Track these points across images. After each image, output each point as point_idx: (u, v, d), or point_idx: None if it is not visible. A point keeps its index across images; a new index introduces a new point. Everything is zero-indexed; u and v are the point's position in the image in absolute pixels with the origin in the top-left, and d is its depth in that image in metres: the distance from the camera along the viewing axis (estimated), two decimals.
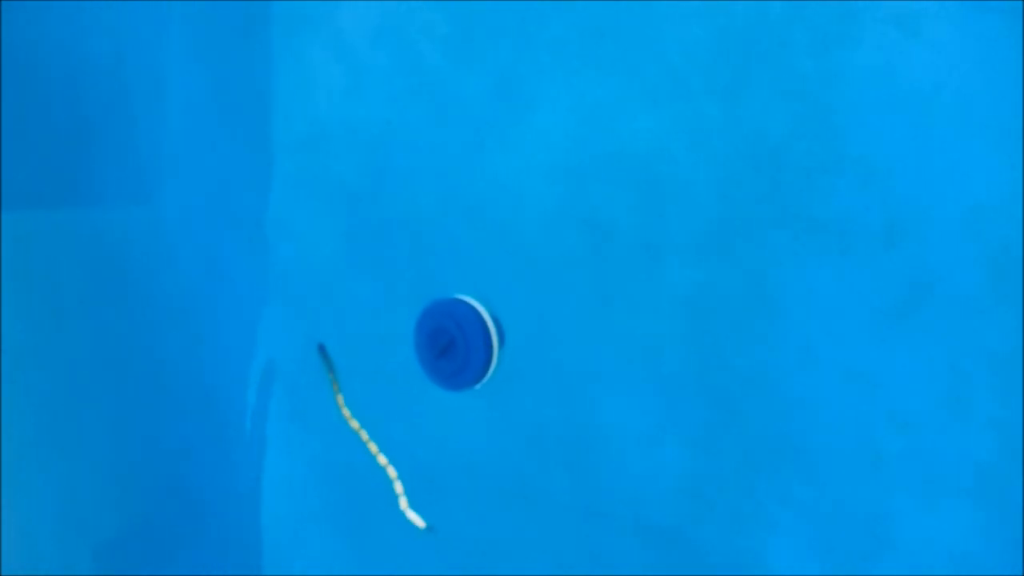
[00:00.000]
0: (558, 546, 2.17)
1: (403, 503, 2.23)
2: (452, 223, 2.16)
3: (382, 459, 2.24)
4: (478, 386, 2.11)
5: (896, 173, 1.68)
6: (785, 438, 1.85)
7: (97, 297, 2.56)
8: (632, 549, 2.07)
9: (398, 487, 2.23)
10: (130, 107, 2.50)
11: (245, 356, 2.53)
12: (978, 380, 1.66)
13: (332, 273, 2.36)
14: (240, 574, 2.60)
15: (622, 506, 2.06)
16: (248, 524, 2.59)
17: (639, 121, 1.91)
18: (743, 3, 1.76)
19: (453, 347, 2.06)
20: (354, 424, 2.26)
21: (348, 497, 2.45)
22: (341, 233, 2.33)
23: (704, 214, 1.87)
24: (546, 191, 2.03)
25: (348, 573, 2.47)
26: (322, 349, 2.34)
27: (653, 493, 2.02)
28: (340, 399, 2.29)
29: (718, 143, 1.83)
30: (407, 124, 2.19)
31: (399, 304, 2.24)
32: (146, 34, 2.48)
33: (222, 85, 2.43)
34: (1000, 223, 1.61)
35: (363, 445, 2.27)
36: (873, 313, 1.75)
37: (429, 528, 2.22)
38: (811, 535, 1.86)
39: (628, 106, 1.92)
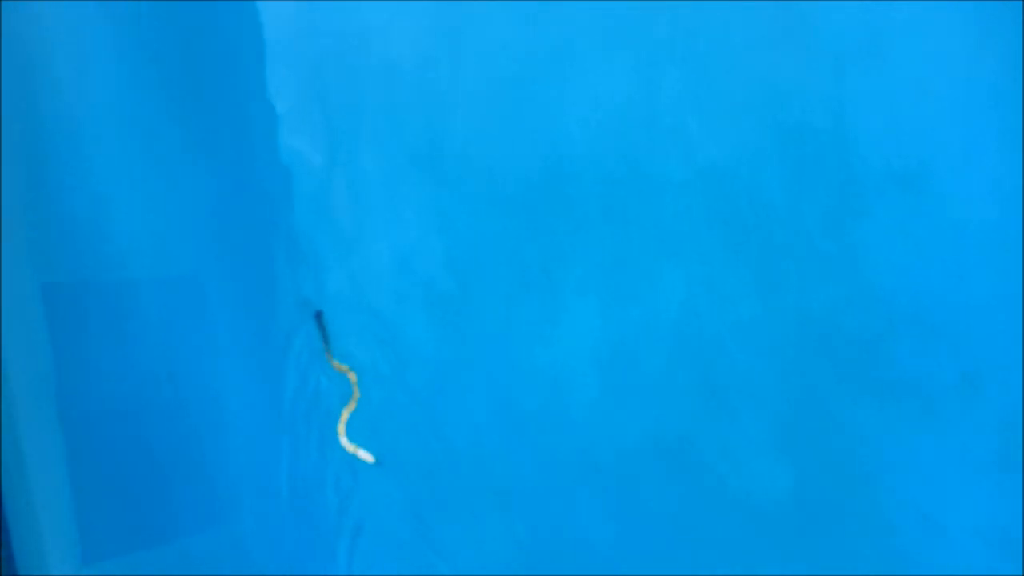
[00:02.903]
0: None
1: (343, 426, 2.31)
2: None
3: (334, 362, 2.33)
4: None
5: (955, 323, 1.68)
6: None
7: None
8: None
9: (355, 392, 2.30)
10: (194, 433, 2.57)
11: None
12: None
13: None
14: None
15: None
16: None
17: (687, 325, 1.94)
18: (747, 195, 1.84)
19: None
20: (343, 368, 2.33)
21: None
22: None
23: (773, 408, 1.85)
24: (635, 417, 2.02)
25: None
26: (319, 316, 2.31)
27: None
28: (335, 364, 2.34)
29: (765, 333, 1.85)
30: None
31: None
32: (198, 353, 2.59)
33: (276, 391, 2.50)
34: None
35: None
36: (977, 467, 1.67)
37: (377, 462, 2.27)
38: None
39: (668, 315, 1.96)
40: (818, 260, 1.79)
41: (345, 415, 2.33)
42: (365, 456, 2.30)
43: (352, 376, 2.32)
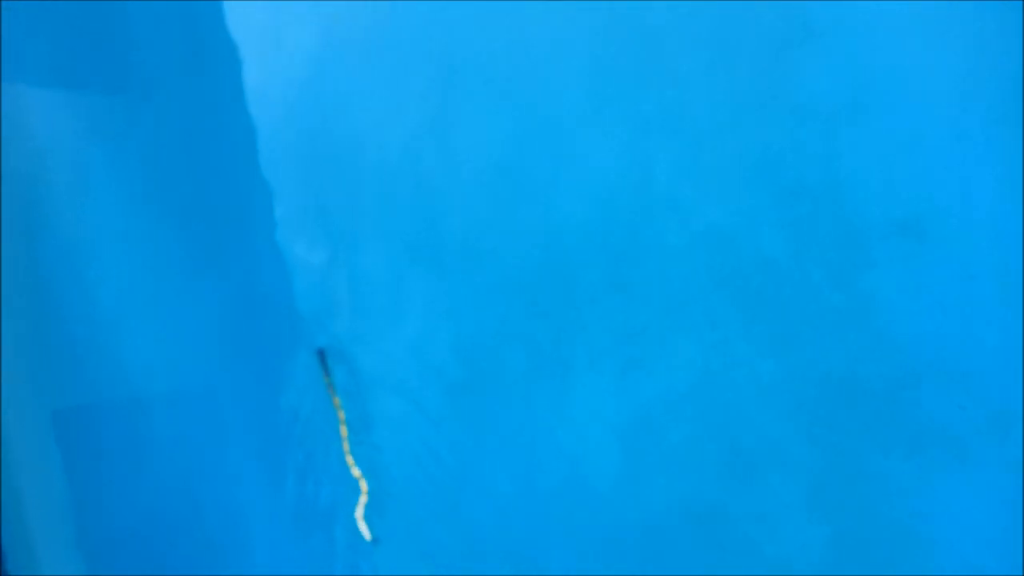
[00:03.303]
0: None
1: (359, 511, 2.32)
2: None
3: (350, 459, 2.32)
4: None
5: (976, 363, 1.67)
6: None
7: None
8: None
9: (363, 491, 2.31)
10: (215, 547, 2.53)
11: None
12: None
13: None
14: None
15: None
16: None
17: (705, 390, 1.93)
18: (750, 257, 1.85)
19: None
20: (343, 430, 2.32)
21: None
22: None
23: (802, 467, 1.83)
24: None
25: None
26: (321, 354, 2.28)
27: None
28: (336, 400, 2.33)
29: (786, 392, 1.84)
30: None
31: None
32: (215, 466, 2.57)
33: (295, 497, 2.47)
34: None
35: None
36: (1014, 508, 1.64)
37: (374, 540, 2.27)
38: None
39: (685, 382, 1.94)
40: (830, 314, 1.78)
41: (340, 414, 2.30)
42: (364, 533, 2.29)
43: (341, 414, 2.31)
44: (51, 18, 2.22)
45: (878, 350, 1.74)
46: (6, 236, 2.27)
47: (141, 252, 2.24)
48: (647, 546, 2.00)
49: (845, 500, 1.80)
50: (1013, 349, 1.63)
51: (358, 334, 2.20)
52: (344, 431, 2.32)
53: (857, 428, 1.77)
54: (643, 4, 1.92)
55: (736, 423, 1.88)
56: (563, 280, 2.02)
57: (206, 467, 2.35)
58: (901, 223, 1.72)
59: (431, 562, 2.24)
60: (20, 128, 2.23)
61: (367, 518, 2.32)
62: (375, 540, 2.30)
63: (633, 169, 1.94)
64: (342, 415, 2.34)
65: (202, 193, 2.28)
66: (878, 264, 1.74)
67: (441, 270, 2.12)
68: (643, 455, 1.99)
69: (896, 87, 1.73)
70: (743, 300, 1.85)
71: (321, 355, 2.37)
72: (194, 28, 2.23)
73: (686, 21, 1.89)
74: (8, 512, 2.29)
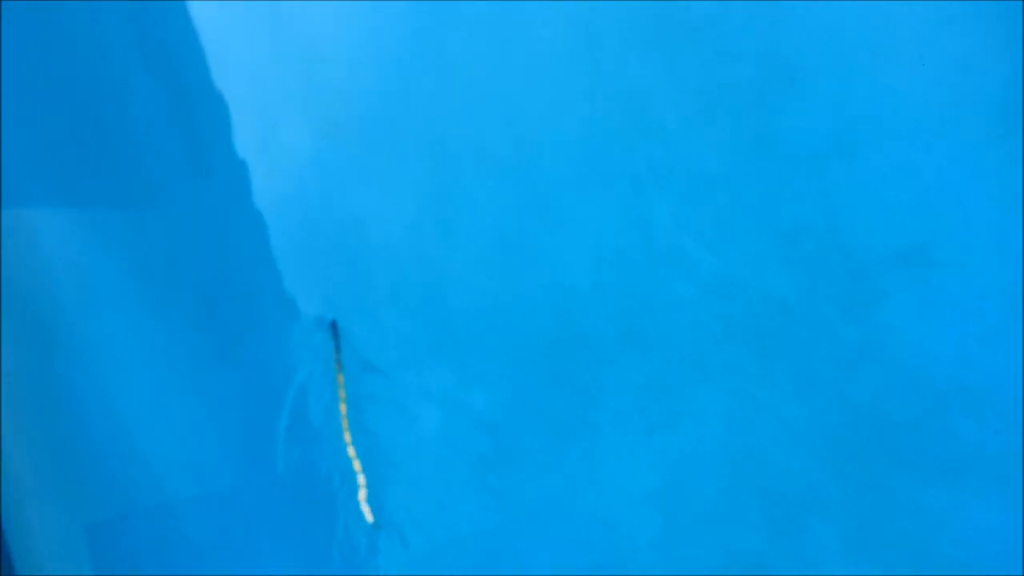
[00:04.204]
0: None
1: (362, 494, 2.29)
2: None
3: (351, 450, 2.29)
4: None
5: (1002, 385, 1.65)
6: None
7: None
8: None
9: (361, 479, 2.29)
10: None
11: None
12: None
13: None
14: None
15: None
16: None
17: (734, 441, 1.91)
18: (759, 301, 1.86)
19: None
20: (342, 408, 2.30)
21: None
22: None
23: (840, 508, 1.80)
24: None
25: None
26: (334, 325, 2.25)
27: None
28: (340, 378, 2.30)
29: (814, 433, 1.82)
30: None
31: None
32: (246, 567, 2.54)
33: None
34: None
35: None
36: None
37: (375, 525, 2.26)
38: None
39: (713, 434, 1.93)
40: (847, 350, 1.78)
41: (341, 395, 2.29)
42: (366, 514, 2.29)
43: (341, 393, 2.29)
44: (54, 139, 2.29)
45: (901, 381, 1.73)
46: (22, 358, 2.30)
47: (157, 356, 2.26)
48: None
49: (887, 536, 1.76)
50: None
51: (377, 420, 2.20)
52: (361, 480, 2.29)
53: (891, 462, 1.75)
54: (624, 65, 1.96)
55: (769, 470, 1.86)
56: (577, 344, 2.03)
57: (238, 568, 2.33)
58: (905, 252, 1.72)
59: None
60: (27, 249, 2.29)
61: None
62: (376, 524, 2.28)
63: (633, 227, 1.96)
64: (341, 379, 2.32)
65: (213, 292, 2.31)
66: (888, 295, 1.74)
67: (455, 347, 2.13)
68: (681, 514, 1.96)
69: (883, 119, 1.75)
70: (759, 345, 1.85)
71: (333, 328, 2.33)
72: (194, 134, 2.29)
73: (667, 77, 1.93)
74: None
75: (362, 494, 2.31)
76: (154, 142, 2.30)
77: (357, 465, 2.31)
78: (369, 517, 2.30)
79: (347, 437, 2.32)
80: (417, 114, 2.13)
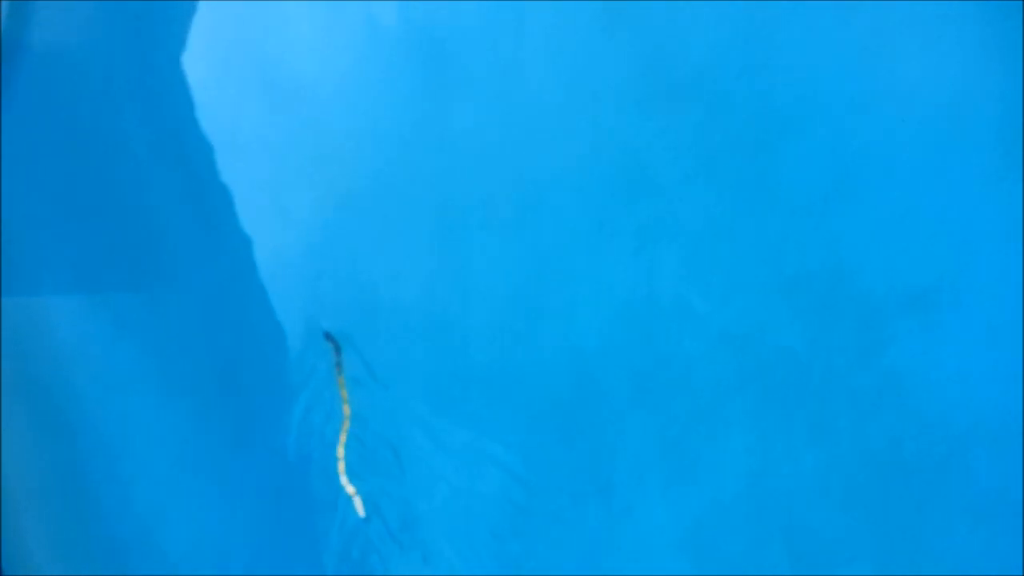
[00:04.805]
0: None
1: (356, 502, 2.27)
2: None
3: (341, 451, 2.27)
4: None
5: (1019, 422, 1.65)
6: None
7: None
8: None
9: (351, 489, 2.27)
10: None
11: None
12: None
13: None
14: None
15: None
16: None
17: (756, 491, 1.90)
18: (770, 352, 1.86)
19: None
20: (346, 409, 2.27)
21: None
22: None
23: (869, 554, 1.79)
24: None
25: None
26: (328, 336, 2.24)
27: None
28: (341, 380, 2.27)
29: (836, 481, 1.82)
30: None
31: None
32: None
33: None
34: None
35: None
36: None
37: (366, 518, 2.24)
38: None
39: (735, 485, 1.92)
40: (861, 396, 1.78)
41: (343, 395, 2.28)
42: (358, 506, 2.26)
43: (346, 409, 2.28)
44: (66, 227, 2.33)
45: (918, 424, 1.73)
46: (37, 445, 2.32)
47: (174, 440, 2.27)
48: None
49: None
50: None
51: (396, 487, 2.19)
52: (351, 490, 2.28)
53: (915, 507, 1.74)
54: (620, 124, 2.00)
55: (793, 520, 1.84)
56: (592, 402, 2.03)
57: None
58: (911, 296, 1.74)
59: None
60: (45, 337, 2.32)
61: None
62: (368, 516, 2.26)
63: (638, 283, 1.98)
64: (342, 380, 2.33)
65: (228, 370, 2.33)
66: (897, 339, 1.75)
67: (469, 409, 2.13)
68: (711, 564, 1.93)
69: (881, 163, 1.78)
70: (773, 396, 1.86)
71: (330, 338, 2.31)
72: (205, 214, 2.33)
73: (663, 133, 1.97)
74: None
75: (357, 503, 2.30)
76: (165, 224, 2.34)
77: (346, 482, 2.30)
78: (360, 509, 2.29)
79: (340, 452, 2.31)
80: (423, 180, 2.17)
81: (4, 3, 2.30)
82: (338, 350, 2.30)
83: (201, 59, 2.27)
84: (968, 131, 1.73)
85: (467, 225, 2.14)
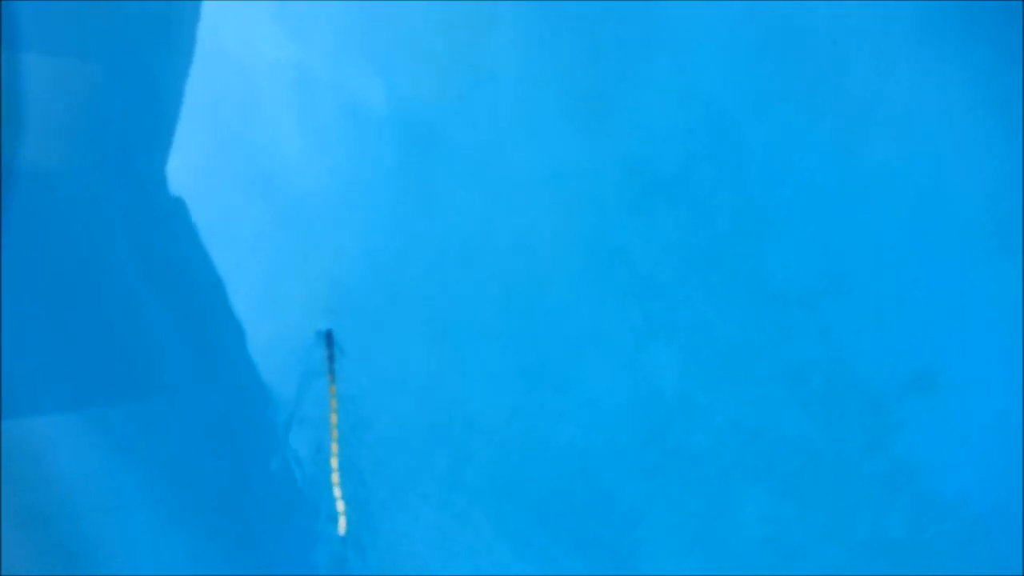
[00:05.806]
0: None
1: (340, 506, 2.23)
2: None
3: (334, 461, 2.24)
4: None
5: None
6: None
7: None
8: None
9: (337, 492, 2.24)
10: None
11: None
12: None
13: None
14: None
15: None
16: None
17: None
18: (780, 442, 1.85)
19: None
20: (333, 418, 2.24)
21: None
22: None
23: None
24: None
25: None
26: (329, 336, 2.17)
27: None
28: (333, 389, 2.24)
29: (858, 567, 1.77)
30: None
31: None
32: None
33: None
34: None
35: None
36: None
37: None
38: None
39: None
40: (874, 481, 1.77)
41: (333, 404, 2.22)
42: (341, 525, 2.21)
43: (333, 403, 2.23)
44: (60, 348, 2.32)
45: (934, 508, 1.71)
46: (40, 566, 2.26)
47: (176, 553, 2.20)
48: None
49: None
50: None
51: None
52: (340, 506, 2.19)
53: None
54: (606, 228, 2.04)
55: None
56: (603, 504, 2.00)
57: None
58: (912, 379, 1.75)
59: None
60: (48, 456, 2.28)
61: None
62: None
63: (641, 384, 1.98)
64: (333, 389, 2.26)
65: (228, 481, 2.28)
66: (904, 424, 1.75)
67: (480, 519, 2.08)
68: None
69: (868, 250, 1.82)
70: (784, 487, 1.84)
71: (329, 336, 2.26)
72: (201, 333, 2.32)
73: (649, 233, 2.01)
74: None
75: (341, 522, 2.23)
76: (160, 341, 2.33)
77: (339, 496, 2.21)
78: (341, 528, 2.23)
79: (334, 458, 2.24)
80: (417, 292, 2.17)
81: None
82: (332, 356, 2.28)
83: (188, 158, 2.26)
84: (958, 209, 1.76)
85: (461, 330, 2.15)
